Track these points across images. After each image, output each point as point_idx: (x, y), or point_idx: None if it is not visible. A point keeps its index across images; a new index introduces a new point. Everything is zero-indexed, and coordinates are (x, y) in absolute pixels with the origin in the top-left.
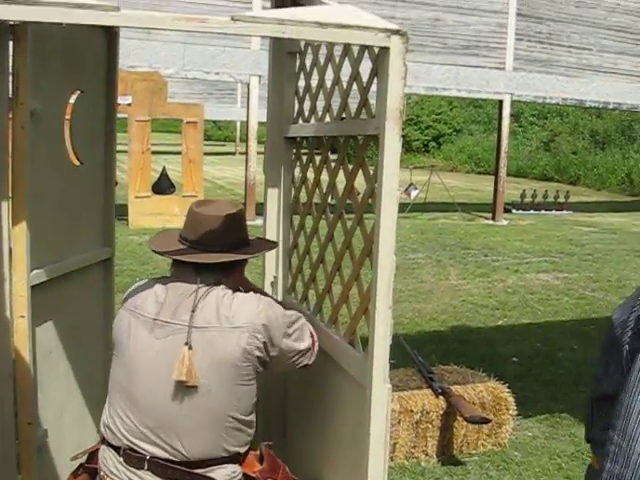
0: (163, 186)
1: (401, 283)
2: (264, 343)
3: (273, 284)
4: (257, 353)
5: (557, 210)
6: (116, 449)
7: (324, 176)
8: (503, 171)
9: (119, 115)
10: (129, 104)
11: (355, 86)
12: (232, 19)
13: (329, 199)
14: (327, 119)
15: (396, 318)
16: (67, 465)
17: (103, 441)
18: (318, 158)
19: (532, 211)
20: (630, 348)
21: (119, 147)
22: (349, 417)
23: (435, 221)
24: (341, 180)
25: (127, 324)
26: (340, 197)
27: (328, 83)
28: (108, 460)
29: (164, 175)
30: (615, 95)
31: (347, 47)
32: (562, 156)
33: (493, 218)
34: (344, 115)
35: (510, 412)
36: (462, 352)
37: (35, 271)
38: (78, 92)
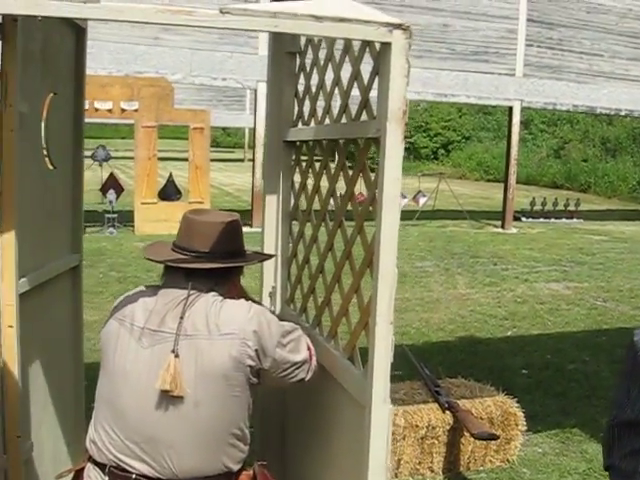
0: (169, 192)
1: (408, 292)
2: (256, 351)
3: (272, 294)
4: (249, 362)
5: (567, 218)
6: (101, 467)
7: (324, 182)
8: (513, 178)
9: (126, 121)
10: (136, 110)
11: (356, 87)
12: (221, 12)
13: (329, 206)
14: (327, 122)
15: (403, 328)
16: (48, 478)
17: (89, 458)
18: (318, 163)
19: (542, 219)
20: None
21: (127, 153)
22: (348, 436)
23: (444, 229)
24: (342, 186)
25: (115, 334)
26: (340, 204)
27: (328, 84)
28: (93, 479)
29: (170, 181)
30: (627, 102)
31: (348, 45)
32: (572, 164)
33: (502, 226)
34: (344, 117)
35: (519, 427)
36: (470, 363)
37: (21, 279)
38: (52, 94)
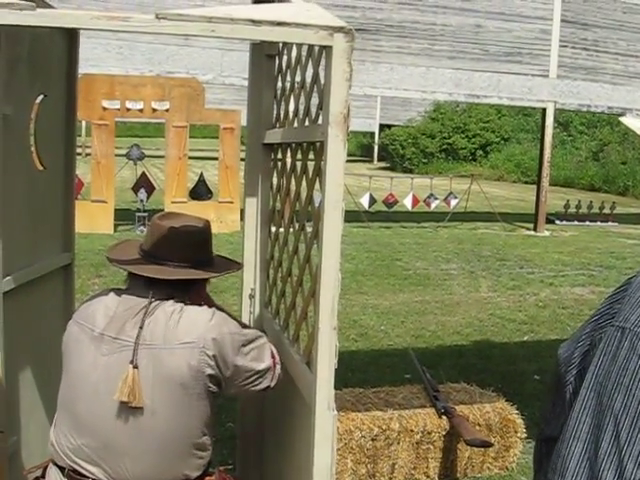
0: (200, 192)
1: (429, 295)
2: (215, 359)
3: (251, 297)
4: (209, 371)
5: (602, 221)
6: (61, 469)
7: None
8: (546, 181)
9: (157, 120)
10: (167, 110)
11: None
12: (157, 17)
13: (295, 209)
14: (295, 124)
15: (418, 331)
16: None
17: (52, 459)
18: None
19: (576, 222)
20: (573, 389)
21: (158, 152)
22: (307, 442)
23: (475, 231)
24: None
25: (75, 338)
26: (302, 207)
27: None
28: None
29: (202, 181)
30: None
31: (310, 48)
32: (611, 166)
33: (535, 229)
34: (307, 120)
35: (519, 434)
36: (482, 368)
37: (6, 278)
38: (42, 96)
